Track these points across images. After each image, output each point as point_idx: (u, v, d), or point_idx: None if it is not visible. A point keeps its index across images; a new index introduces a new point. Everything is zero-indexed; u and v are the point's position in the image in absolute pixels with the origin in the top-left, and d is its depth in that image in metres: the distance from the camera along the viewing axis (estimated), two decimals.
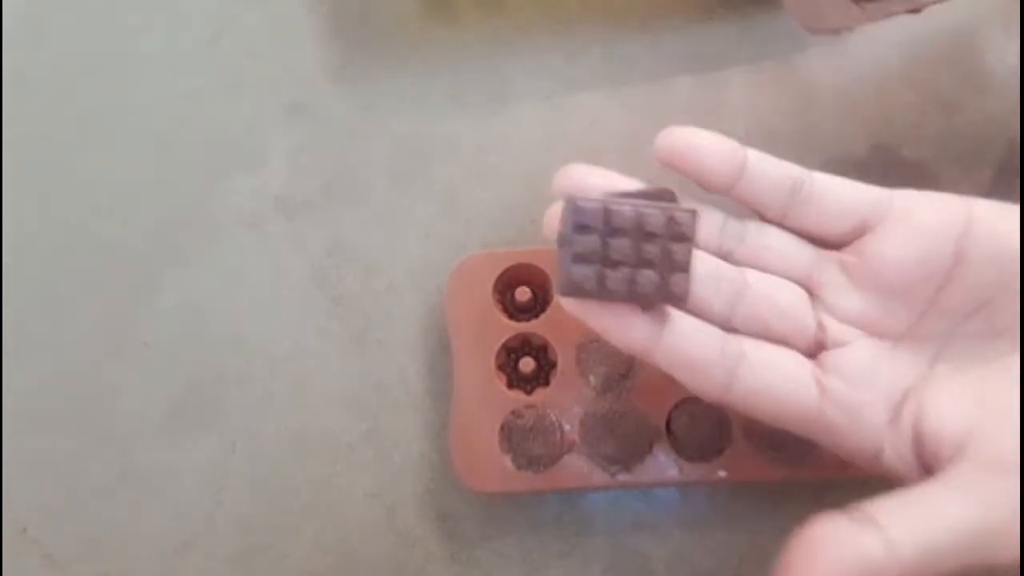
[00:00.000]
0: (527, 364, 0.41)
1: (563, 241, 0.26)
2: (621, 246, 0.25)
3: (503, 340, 0.41)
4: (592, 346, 0.41)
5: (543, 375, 0.41)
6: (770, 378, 0.27)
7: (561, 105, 0.47)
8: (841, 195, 0.28)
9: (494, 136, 0.47)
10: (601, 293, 0.25)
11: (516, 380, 0.41)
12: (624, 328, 0.26)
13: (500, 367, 0.41)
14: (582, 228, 0.25)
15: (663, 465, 0.40)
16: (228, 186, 0.47)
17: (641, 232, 0.25)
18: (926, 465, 0.26)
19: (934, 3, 0.33)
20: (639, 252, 0.25)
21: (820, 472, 0.40)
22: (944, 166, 0.46)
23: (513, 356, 0.42)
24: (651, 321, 0.26)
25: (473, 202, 0.46)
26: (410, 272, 0.45)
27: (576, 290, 0.25)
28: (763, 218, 0.29)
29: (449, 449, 0.40)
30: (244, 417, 0.44)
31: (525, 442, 0.40)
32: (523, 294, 0.41)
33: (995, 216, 0.27)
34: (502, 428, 0.40)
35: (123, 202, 0.47)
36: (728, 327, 0.28)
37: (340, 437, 0.43)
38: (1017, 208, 0.27)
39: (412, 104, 0.48)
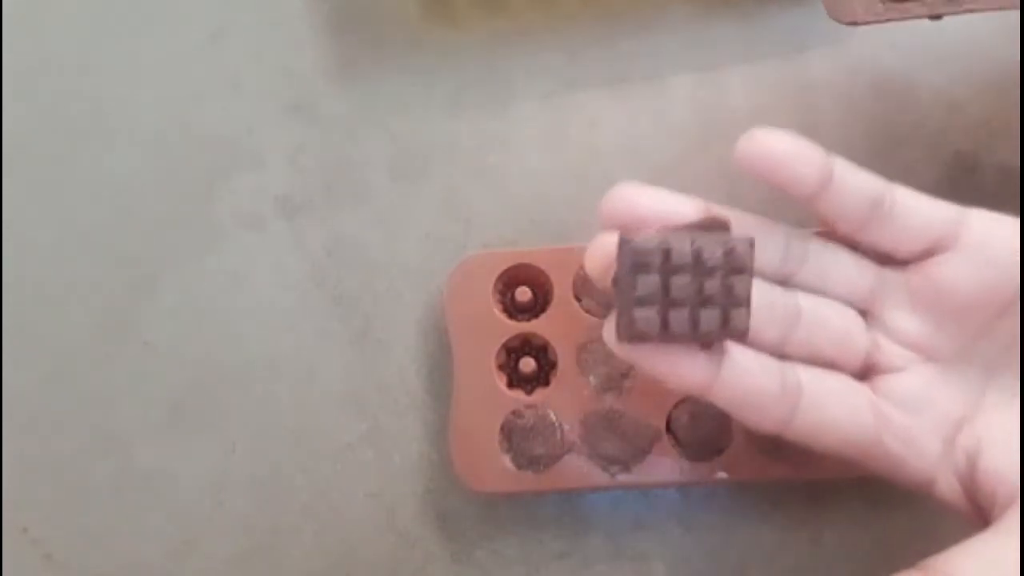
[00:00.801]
0: (527, 364, 0.41)
1: (621, 284, 0.24)
2: (682, 285, 0.24)
3: (503, 340, 0.41)
4: (592, 346, 0.41)
5: (543, 375, 0.41)
6: (831, 411, 0.26)
7: (561, 105, 0.47)
8: (920, 213, 0.27)
9: (494, 136, 0.47)
10: (664, 337, 0.24)
11: (516, 380, 0.41)
12: (683, 369, 0.25)
13: (500, 367, 0.41)
14: (641, 268, 0.24)
15: (663, 465, 0.40)
16: (228, 186, 0.47)
17: (701, 268, 0.24)
18: (976, 500, 0.26)
19: (954, 14, 0.32)
20: (700, 289, 0.24)
21: (820, 472, 0.39)
22: (943, 167, 0.46)
23: (513, 356, 0.42)
24: (708, 359, 0.25)
25: (473, 202, 0.46)
26: (410, 272, 0.45)
27: (641, 336, 0.24)
28: (836, 231, 0.28)
29: (449, 449, 0.40)
30: (244, 417, 0.44)
31: (525, 442, 0.40)
32: (523, 294, 0.41)
33: None
34: (502, 428, 0.40)
35: (123, 202, 0.47)
36: (780, 354, 0.27)
37: (340, 437, 0.43)
38: None
39: (412, 104, 0.47)
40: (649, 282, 0.24)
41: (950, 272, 0.27)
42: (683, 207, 0.26)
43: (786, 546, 0.41)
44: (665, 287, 0.24)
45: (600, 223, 0.26)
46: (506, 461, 0.40)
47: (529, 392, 0.41)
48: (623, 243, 0.24)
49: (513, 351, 0.42)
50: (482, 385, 0.40)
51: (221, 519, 0.43)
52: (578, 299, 0.41)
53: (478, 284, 0.41)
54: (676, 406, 0.40)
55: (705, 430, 0.40)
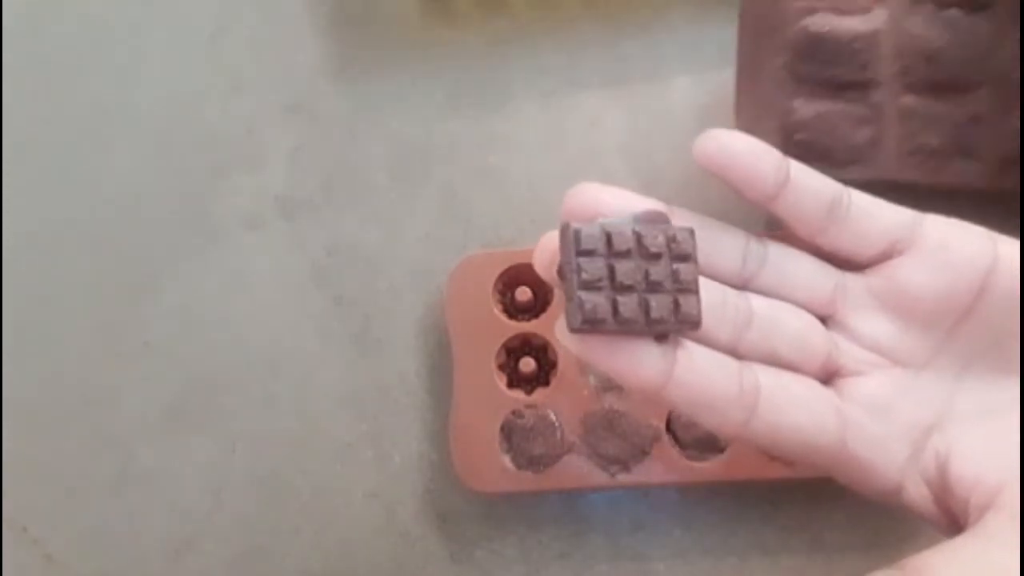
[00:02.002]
0: (527, 364, 0.41)
1: (567, 270, 0.24)
2: (628, 269, 0.23)
3: (503, 340, 0.41)
4: None
5: (543, 375, 0.41)
6: (792, 413, 0.26)
7: (561, 105, 0.47)
8: (877, 215, 0.27)
9: (494, 136, 0.47)
10: (617, 324, 0.23)
11: (516, 380, 0.41)
12: (637, 365, 0.24)
13: (500, 367, 0.41)
14: (586, 253, 0.23)
15: (663, 465, 0.40)
16: (228, 186, 0.47)
17: (645, 253, 0.24)
18: (947, 506, 0.26)
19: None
20: (647, 275, 0.24)
21: (820, 472, 0.39)
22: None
23: (513, 356, 0.42)
24: (663, 355, 0.24)
25: (473, 202, 0.46)
26: (410, 272, 0.45)
27: (591, 322, 0.23)
28: (797, 233, 0.28)
29: (449, 449, 0.40)
30: (244, 417, 0.44)
31: (525, 442, 0.40)
32: (523, 294, 0.41)
33: (1017, 256, 0.27)
34: (502, 428, 0.40)
35: (123, 202, 0.47)
36: (735, 355, 0.27)
37: (340, 437, 0.43)
38: None
39: (412, 104, 0.48)
40: (595, 266, 0.23)
41: (909, 274, 0.27)
42: (640, 204, 0.26)
43: (786, 546, 0.41)
44: (611, 272, 0.23)
45: (561, 219, 0.26)
46: (506, 461, 0.40)
47: (529, 392, 0.41)
48: (565, 228, 0.24)
49: (513, 351, 0.42)
50: (482, 385, 0.40)
51: (221, 519, 0.43)
52: None
53: (478, 284, 0.41)
54: None
55: (705, 430, 0.40)
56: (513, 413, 0.40)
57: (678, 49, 0.48)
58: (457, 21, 0.49)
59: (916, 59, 0.38)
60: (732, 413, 0.25)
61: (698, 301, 0.24)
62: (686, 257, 0.24)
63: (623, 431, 0.40)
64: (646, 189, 0.47)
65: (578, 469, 0.40)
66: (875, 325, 0.27)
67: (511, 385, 0.41)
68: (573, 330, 0.24)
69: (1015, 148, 0.38)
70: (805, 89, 0.39)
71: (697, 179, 0.47)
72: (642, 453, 0.40)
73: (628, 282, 0.24)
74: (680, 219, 0.26)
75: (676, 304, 0.24)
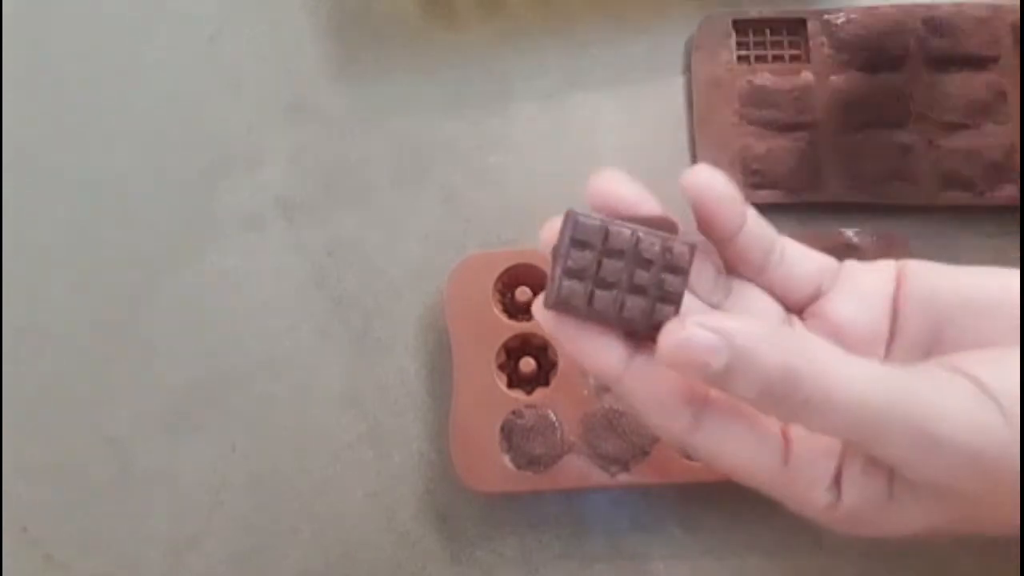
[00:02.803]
0: (527, 364, 0.41)
1: (557, 254, 0.25)
2: (615, 268, 0.25)
3: (503, 340, 0.41)
4: None
5: (543, 375, 0.41)
6: (738, 428, 0.26)
7: (561, 105, 0.47)
8: (804, 260, 0.30)
9: (494, 136, 0.47)
10: (588, 312, 0.25)
11: (516, 380, 0.41)
12: (598, 349, 0.25)
13: (500, 367, 0.41)
14: (579, 244, 0.25)
15: (663, 465, 0.40)
16: (228, 186, 0.47)
17: (637, 258, 0.25)
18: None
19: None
20: (632, 277, 0.25)
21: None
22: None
23: (513, 356, 0.42)
24: (624, 348, 0.25)
25: (473, 202, 0.46)
26: (410, 272, 0.45)
27: (563, 304, 0.25)
28: (740, 274, 0.29)
29: (449, 449, 0.40)
30: (244, 417, 0.44)
31: (525, 442, 0.40)
32: (523, 294, 0.41)
33: (925, 270, 0.29)
34: (502, 428, 0.40)
35: (123, 202, 0.47)
36: None
37: (340, 437, 0.43)
38: (952, 266, 0.29)
39: (412, 104, 0.48)
40: (583, 258, 0.24)
41: (833, 308, 0.29)
42: (654, 210, 0.27)
43: (786, 546, 0.41)
44: (598, 266, 0.24)
45: (587, 199, 0.27)
46: (506, 461, 0.40)
47: (529, 392, 0.41)
48: (568, 216, 0.25)
49: (513, 351, 0.42)
50: (482, 385, 0.40)
51: (221, 519, 0.43)
52: None
53: (478, 284, 0.41)
54: None
55: None
56: (513, 413, 0.40)
57: (678, 49, 0.48)
58: (457, 21, 0.49)
59: (840, 107, 0.45)
60: (680, 415, 0.26)
61: (675, 312, 0.25)
62: (677, 270, 0.25)
63: (623, 431, 0.40)
64: (646, 189, 0.47)
65: (578, 469, 0.40)
66: None
67: (511, 385, 0.41)
68: (546, 307, 0.25)
69: (949, 171, 0.45)
70: (754, 130, 0.46)
71: None
72: (642, 453, 0.40)
73: (611, 279, 0.25)
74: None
75: (651, 308, 0.25)
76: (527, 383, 0.41)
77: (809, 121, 0.46)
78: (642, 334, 0.25)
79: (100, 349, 0.45)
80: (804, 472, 0.26)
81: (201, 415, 0.44)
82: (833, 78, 0.46)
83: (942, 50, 0.46)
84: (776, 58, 0.47)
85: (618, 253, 0.25)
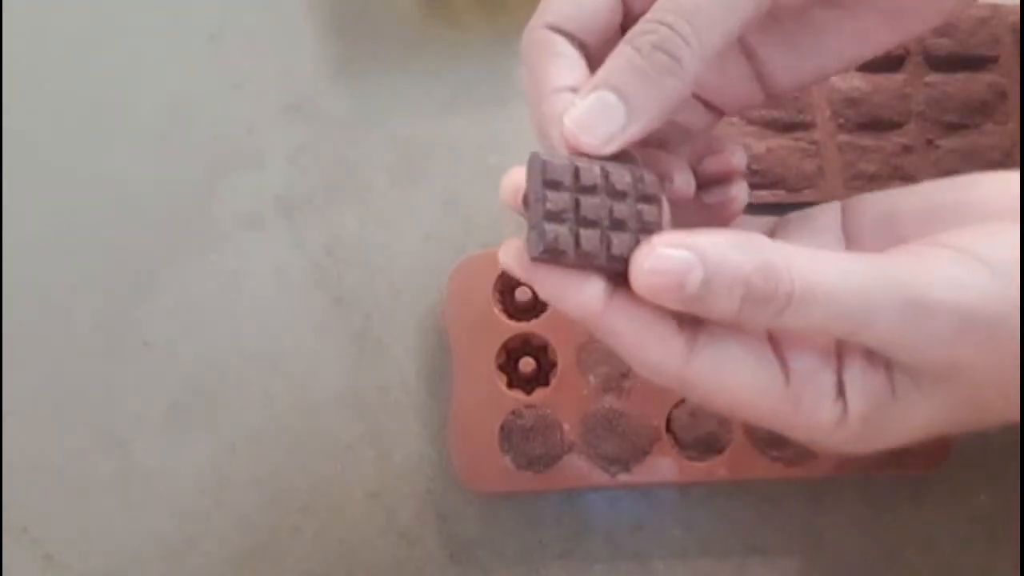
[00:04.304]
0: (527, 364, 0.41)
1: (532, 199, 0.23)
2: (593, 204, 0.23)
3: (503, 340, 0.41)
4: (592, 346, 0.41)
5: (543, 375, 0.41)
6: (734, 346, 0.25)
7: None
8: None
9: (494, 136, 0.47)
10: (577, 257, 0.23)
11: (516, 380, 0.41)
12: (576, 287, 0.24)
13: (500, 367, 0.41)
14: (552, 184, 0.23)
15: (663, 465, 0.40)
16: (228, 186, 0.47)
17: (611, 191, 0.24)
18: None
19: None
20: (611, 212, 0.24)
21: (820, 472, 0.40)
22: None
23: (513, 356, 0.42)
24: (604, 283, 0.24)
25: (473, 202, 0.46)
26: (410, 272, 0.45)
27: (551, 251, 0.23)
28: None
29: (449, 449, 0.40)
30: (244, 417, 0.44)
31: (525, 442, 0.40)
32: (523, 294, 0.41)
33: (869, 197, 0.28)
34: (502, 428, 0.40)
35: (123, 202, 0.47)
36: None
37: (340, 437, 0.43)
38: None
39: (412, 104, 0.48)
40: (560, 199, 0.23)
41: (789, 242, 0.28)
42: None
43: (786, 546, 0.41)
44: (576, 205, 0.23)
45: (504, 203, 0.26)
46: (506, 461, 0.40)
47: (529, 392, 0.41)
48: (533, 159, 0.23)
49: (513, 351, 0.42)
50: (482, 385, 0.40)
51: (221, 519, 0.42)
52: None
53: (478, 284, 0.41)
54: (676, 406, 0.40)
55: (705, 430, 0.40)
56: (513, 413, 0.40)
57: None
58: (457, 21, 0.49)
59: (842, 105, 0.46)
60: (672, 347, 0.24)
61: None
62: (651, 199, 0.24)
63: (623, 431, 0.40)
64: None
65: (578, 469, 0.40)
66: None
67: (511, 385, 0.41)
68: (533, 259, 0.23)
69: (949, 171, 0.43)
70: (755, 129, 0.46)
71: None
72: (642, 453, 0.40)
73: (592, 217, 0.23)
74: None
75: (638, 244, 0.24)
76: (527, 383, 0.41)
77: (809, 121, 0.46)
78: (623, 273, 0.24)
79: (100, 349, 0.44)
80: (807, 388, 0.25)
81: (201, 415, 0.44)
82: (833, 78, 0.46)
83: (942, 50, 0.46)
84: None
85: (591, 189, 0.24)
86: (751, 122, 0.46)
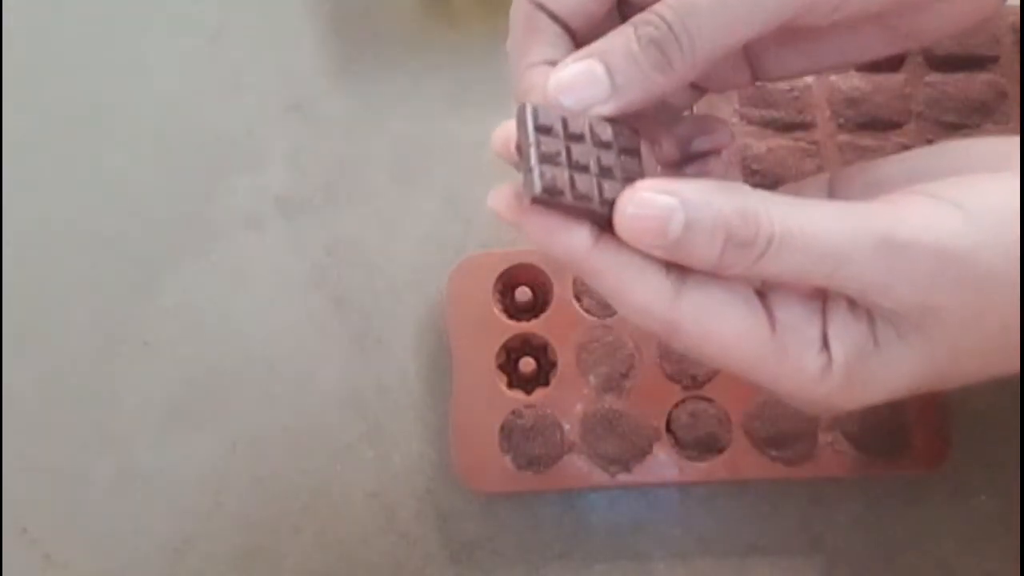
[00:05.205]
0: (527, 364, 0.41)
1: (525, 145, 0.24)
2: (583, 151, 0.24)
3: (503, 340, 0.41)
4: (592, 346, 0.41)
5: (543, 375, 0.41)
6: (720, 290, 0.25)
7: None
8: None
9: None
10: (573, 198, 0.24)
11: (516, 380, 0.41)
12: (565, 230, 0.25)
13: (500, 367, 0.41)
14: (544, 129, 0.24)
15: (663, 465, 0.40)
16: (228, 186, 0.47)
17: (597, 141, 0.25)
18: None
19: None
20: (599, 160, 0.25)
21: (820, 472, 0.40)
22: None
23: (513, 356, 0.42)
24: (593, 227, 0.25)
25: (473, 202, 0.46)
26: (410, 272, 0.45)
27: (549, 191, 0.24)
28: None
29: (449, 449, 0.40)
30: (244, 417, 0.44)
31: (525, 442, 0.40)
32: (523, 294, 0.41)
33: (855, 166, 0.29)
34: (502, 428, 0.40)
35: (123, 202, 0.47)
36: None
37: (340, 437, 0.43)
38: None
39: (412, 104, 0.47)
40: (553, 143, 0.24)
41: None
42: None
43: (786, 546, 0.41)
44: (568, 151, 0.24)
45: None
46: (506, 461, 0.40)
47: (529, 392, 0.41)
48: (522, 108, 0.25)
49: (513, 351, 0.42)
50: (482, 385, 0.40)
51: (221, 519, 0.42)
52: (578, 299, 0.41)
53: (478, 284, 0.41)
54: (676, 406, 0.40)
55: (705, 430, 0.40)
56: (513, 413, 0.40)
57: None
58: (457, 21, 0.49)
59: (842, 105, 0.46)
60: (659, 288, 0.25)
61: None
62: (632, 151, 0.25)
63: (623, 431, 0.40)
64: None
65: (578, 469, 0.40)
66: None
67: (511, 385, 0.41)
68: (533, 200, 0.24)
69: None
70: (755, 129, 0.46)
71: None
72: (642, 453, 0.40)
73: (583, 162, 0.24)
74: None
75: (622, 191, 0.24)
76: (527, 383, 0.41)
77: (809, 121, 0.46)
78: (611, 220, 0.25)
79: (100, 349, 0.45)
80: (793, 337, 0.25)
81: (201, 415, 0.44)
82: (833, 78, 0.46)
83: (942, 50, 0.46)
84: None
85: (580, 137, 0.25)
86: (751, 122, 0.46)
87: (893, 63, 0.46)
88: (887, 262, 0.23)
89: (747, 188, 0.24)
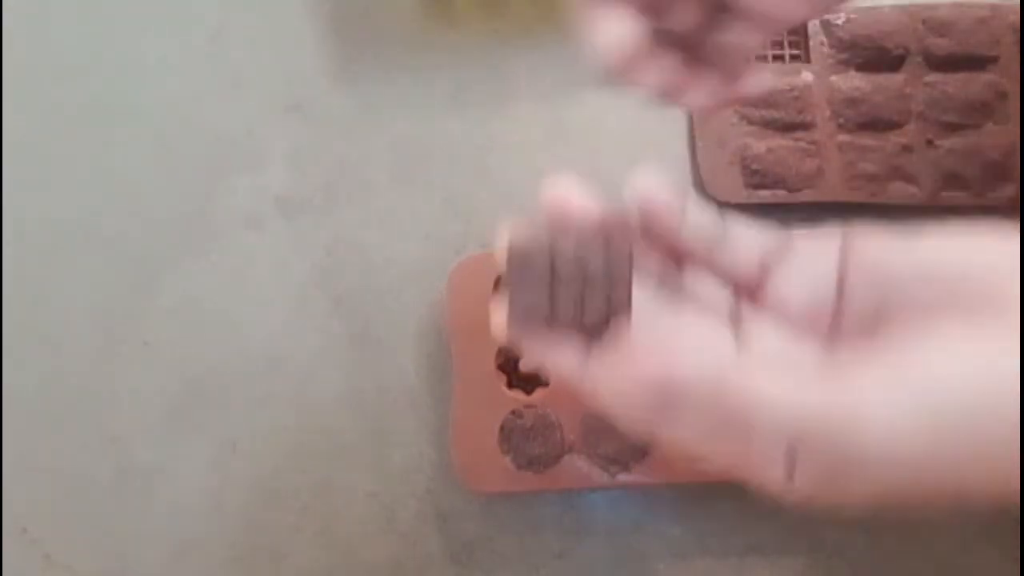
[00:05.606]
0: (527, 364, 0.41)
1: (509, 281, 0.27)
2: (567, 276, 0.27)
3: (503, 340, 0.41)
4: None
5: (543, 375, 0.41)
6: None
7: (561, 105, 0.47)
8: (749, 241, 0.30)
9: (494, 136, 0.47)
10: (552, 320, 0.27)
11: (516, 380, 0.41)
12: (555, 348, 0.27)
13: (500, 367, 0.41)
14: (526, 267, 0.27)
15: (663, 465, 0.40)
16: (228, 186, 0.47)
17: (583, 271, 0.27)
18: None
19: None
20: (582, 288, 0.27)
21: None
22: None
23: (513, 356, 0.42)
24: (583, 345, 0.27)
25: (473, 202, 0.46)
26: (410, 272, 0.45)
27: (528, 318, 0.27)
28: (690, 262, 0.30)
29: (449, 449, 0.40)
30: (244, 417, 0.44)
31: (525, 442, 0.40)
32: None
33: (876, 241, 0.28)
34: (502, 428, 0.40)
35: (123, 202, 0.47)
36: None
37: (340, 437, 0.43)
38: (891, 234, 0.28)
39: (412, 104, 0.48)
40: (533, 278, 0.27)
41: (779, 287, 0.29)
42: (592, 209, 0.28)
43: (786, 546, 0.41)
44: (551, 283, 0.27)
45: (539, 207, 0.29)
46: (506, 461, 0.40)
47: (529, 392, 0.41)
48: (512, 245, 0.27)
49: (513, 351, 0.42)
50: (482, 385, 0.40)
51: (221, 519, 0.43)
52: None
53: (478, 284, 0.41)
54: None
55: None
56: (513, 413, 0.40)
57: None
58: (457, 21, 0.49)
59: (842, 105, 0.46)
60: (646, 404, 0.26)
61: (628, 313, 0.27)
62: (620, 278, 0.27)
63: (623, 431, 0.40)
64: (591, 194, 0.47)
65: (578, 469, 0.40)
66: (767, 332, 0.29)
67: (511, 385, 0.41)
68: (511, 327, 0.27)
69: (948, 171, 0.45)
70: (755, 129, 0.46)
71: (695, 179, 0.47)
72: (642, 453, 0.40)
73: (564, 294, 0.27)
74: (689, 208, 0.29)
75: (607, 312, 0.27)
76: (527, 383, 0.41)
77: (809, 121, 0.46)
78: (601, 333, 0.27)
79: (100, 349, 0.45)
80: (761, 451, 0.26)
81: (201, 415, 0.44)
82: (833, 78, 0.46)
83: (942, 50, 0.46)
84: (776, 58, 0.47)
85: (566, 269, 0.27)
86: (751, 122, 0.46)
87: (893, 63, 0.46)
88: (843, 467, 0.24)
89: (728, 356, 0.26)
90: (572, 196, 0.28)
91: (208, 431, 0.43)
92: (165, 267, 0.45)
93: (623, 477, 0.40)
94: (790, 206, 0.45)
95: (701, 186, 0.46)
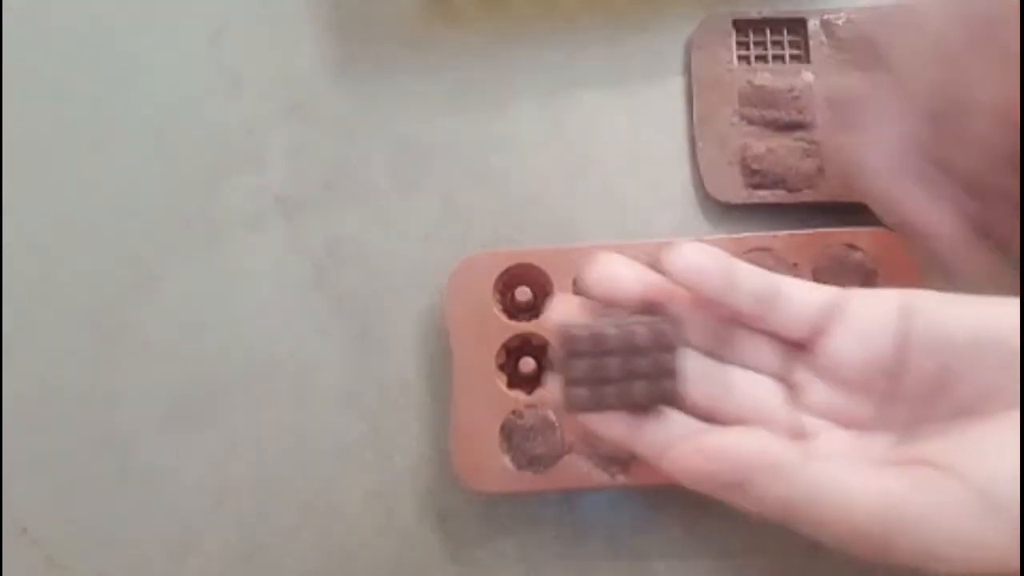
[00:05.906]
0: (527, 364, 0.41)
1: (559, 367, 0.28)
2: (611, 365, 0.28)
3: (503, 340, 0.41)
4: None
5: (543, 375, 0.41)
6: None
7: (561, 105, 0.47)
8: (804, 299, 0.30)
9: (494, 136, 0.47)
10: (599, 406, 0.28)
11: (516, 380, 0.41)
12: (608, 426, 0.28)
13: (500, 367, 0.41)
14: (574, 355, 0.28)
15: None
16: (228, 186, 0.47)
17: (631, 348, 0.28)
18: None
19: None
20: (630, 366, 0.28)
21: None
22: None
23: (513, 356, 0.42)
24: (634, 419, 0.28)
25: (473, 202, 0.46)
26: (410, 272, 0.45)
27: (575, 408, 0.28)
28: (741, 323, 0.30)
29: (449, 449, 0.40)
30: (244, 417, 0.44)
31: (525, 442, 0.40)
32: (523, 294, 0.41)
33: (936, 304, 0.28)
34: (502, 428, 0.40)
35: (123, 202, 0.47)
36: (712, 422, 0.29)
37: (340, 437, 0.43)
38: (960, 297, 0.28)
39: (413, 104, 0.48)
40: (581, 366, 0.28)
41: (836, 347, 0.29)
42: (650, 279, 0.29)
43: (786, 547, 0.41)
44: (597, 368, 0.28)
45: (580, 282, 0.29)
46: (506, 461, 0.40)
47: (529, 392, 0.41)
48: (559, 331, 0.28)
49: (513, 351, 0.42)
50: (482, 385, 0.40)
51: (221, 519, 0.43)
52: None
53: (478, 284, 0.41)
54: None
55: None
56: (513, 413, 0.40)
57: (678, 49, 0.48)
58: (458, 20, 0.49)
59: (840, 107, 0.44)
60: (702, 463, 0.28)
61: (675, 382, 0.28)
62: (669, 348, 0.28)
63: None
64: (645, 189, 0.47)
65: (578, 469, 0.40)
66: (821, 394, 0.30)
67: (511, 385, 0.41)
68: (565, 410, 0.29)
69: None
70: (755, 129, 0.46)
71: (695, 179, 0.47)
72: None
73: (612, 376, 0.28)
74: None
75: (654, 386, 0.28)
76: (527, 383, 0.41)
77: (809, 121, 0.46)
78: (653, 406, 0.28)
79: (100, 349, 0.45)
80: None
81: (201, 415, 0.44)
82: (833, 78, 0.46)
83: None
84: (776, 58, 0.47)
85: (611, 352, 0.28)
86: (751, 122, 0.46)
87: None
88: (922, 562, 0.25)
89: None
90: (619, 274, 0.29)
91: (208, 431, 0.43)
92: (165, 267, 0.45)
93: (623, 477, 0.40)
94: (790, 206, 0.45)
95: (701, 186, 0.46)
